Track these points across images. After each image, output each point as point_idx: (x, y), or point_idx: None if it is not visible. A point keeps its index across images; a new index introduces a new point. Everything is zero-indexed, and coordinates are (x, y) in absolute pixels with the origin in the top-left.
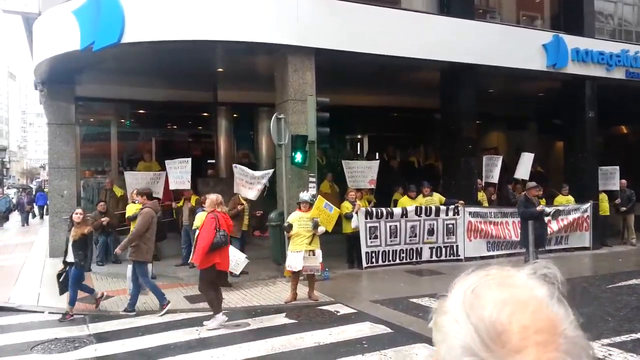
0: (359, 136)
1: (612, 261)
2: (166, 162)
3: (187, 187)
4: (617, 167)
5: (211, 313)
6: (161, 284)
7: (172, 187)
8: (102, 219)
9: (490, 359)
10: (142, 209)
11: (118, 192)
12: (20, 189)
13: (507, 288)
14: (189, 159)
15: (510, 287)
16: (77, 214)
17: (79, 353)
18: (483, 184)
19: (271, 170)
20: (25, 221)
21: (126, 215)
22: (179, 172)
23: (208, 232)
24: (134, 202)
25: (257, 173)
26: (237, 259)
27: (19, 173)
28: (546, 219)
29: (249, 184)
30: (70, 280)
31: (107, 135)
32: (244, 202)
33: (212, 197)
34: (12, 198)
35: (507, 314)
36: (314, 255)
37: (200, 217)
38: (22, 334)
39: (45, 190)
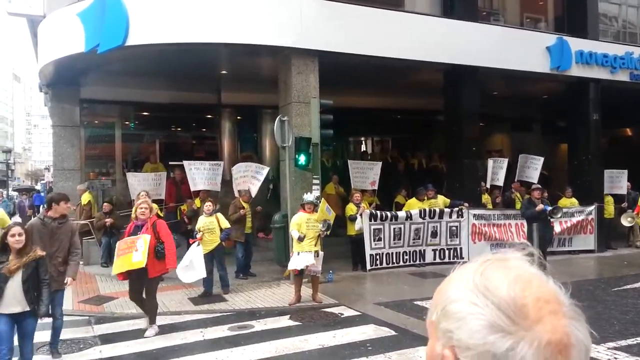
0: (363, 138)
1: (617, 264)
2: (187, 163)
3: (218, 188)
4: (625, 171)
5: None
6: (165, 286)
7: (200, 187)
8: (106, 220)
9: (517, 331)
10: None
11: (85, 199)
12: (21, 191)
13: (509, 270)
14: (222, 162)
15: (511, 269)
16: (13, 235)
17: (84, 354)
18: (487, 187)
19: (267, 168)
20: None
21: (132, 217)
22: (212, 174)
23: (172, 237)
24: None
25: (257, 165)
26: (197, 268)
27: (23, 175)
28: (551, 220)
29: (253, 179)
30: (25, 340)
31: (112, 137)
32: (245, 205)
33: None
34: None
35: (521, 290)
36: (317, 256)
37: (198, 222)
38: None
39: (38, 188)
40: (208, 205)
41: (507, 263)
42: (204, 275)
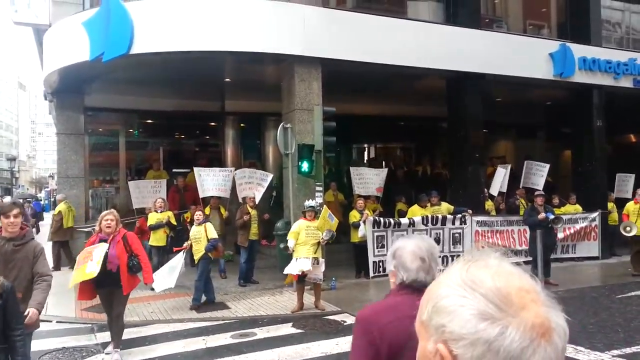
0: (366, 145)
1: (621, 271)
2: (197, 169)
3: (227, 195)
4: (632, 175)
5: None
6: (169, 293)
7: (209, 194)
8: None
9: (505, 317)
10: None
11: (57, 209)
12: (23, 200)
13: (491, 266)
14: (232, 169)
15: (493, 265)
16: None
17: None
18: (493, 194)
19: (271, 175)
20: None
21: (148, 224)
22: (222, 181)
23: (144, 251)
24: (155, 212)
25: (262, 172)
26: (169, 278)
27: (27, 182)
28: (554, 228)
29: (258, 185)
30: None
31: (116, 145)
32: (250, 210)
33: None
34: None
35: (504, 281)
36: (317, 264)
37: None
38: (32, 342)
39: (40, 195)
40: (198, 215)
41: (488, 261)
42: (172, 285)
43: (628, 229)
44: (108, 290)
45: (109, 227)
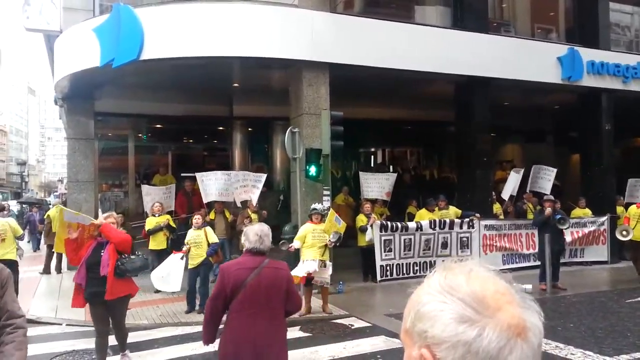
0: (373, 149)
1: (630, 275)
2: (200, 174)
3: (231, 199)
4: None
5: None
6: (176, 297)
7: (212, 199)
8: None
9: (482, 319)
10: None
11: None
12: (30, 204)
13: (468, 272)
14: (265, 175)
15: (470, 271)
16: None
17: None
18: (496, 198)
19: (265, 175)
20: (37, 245)
21: (146, 229)
22: (225, 185)
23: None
24: (153, 216)
25: (255, 174)
26: (172, 282)
27: (37, 187)
28: (562, 230)
29: (253, 187)
30: None
31: (125, 150)
32: (252, 215)
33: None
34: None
35: (480, 286)
36: (324, 267)
37: (187, 235)
38: (41, 345)
39: (50, 200)
40: (197, 218)
41: (466, 267)
42: (177, 289)
43: (625, 232)
44: (101, 302)
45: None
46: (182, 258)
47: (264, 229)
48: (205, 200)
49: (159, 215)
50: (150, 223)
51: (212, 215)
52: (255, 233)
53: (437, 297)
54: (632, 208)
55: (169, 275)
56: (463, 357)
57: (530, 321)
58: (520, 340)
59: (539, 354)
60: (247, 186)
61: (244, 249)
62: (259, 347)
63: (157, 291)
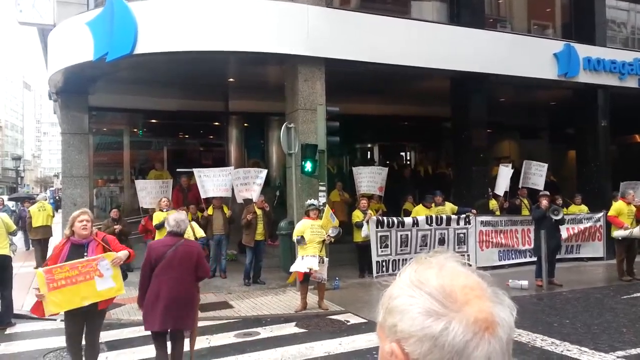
0: (369, 145)
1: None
2: (198, 170)
3: (229, 195)
4: None
5: None
6: None
7: (210, 195)
8: (115, 227)
9: (448, 313)
10: None
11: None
12: (22, 200)
13: (439, 266)
14: (231, 168)
15: (441, 265)
16: None
17: None
18: (492, 194)
19: (265, 171)
20: (29, 244)
21: (153, 224)
22: (222, 181)
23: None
24: (161, 211)
25: (256, 170)
26: None
27: (32, 182)
28: (554, 220)
29: (253, 184)
30: None
31: (120, 145)
32: (258, 211)
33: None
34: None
35: (449, 280)
36: (322, 263)
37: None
38: (35, 341)
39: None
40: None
41: (437, 262)
42: None
43: (622, 230)
44: (83, 311)
45: (85, 228)
46: None
47: (181, 217)
48: (203, 196)
49: (166, 211)
50: (158, 218)
51: (210, 211)
52: (174, 219)
53: (407, 291)
54: (621, 205)
55: None
56: (430, 351)
57: (500, 316)
58: (488, 334)
59: (509, 350)
60: (249, 184)
61: (166, 232)
62: (170, 298)
63: None
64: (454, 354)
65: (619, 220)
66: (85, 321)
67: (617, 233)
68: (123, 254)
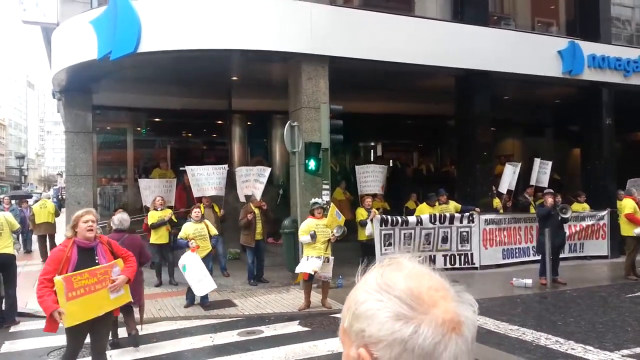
0: (373, 143)
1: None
2: (190, 168)
3: (222, 193)
4: None
5: None
6: (176, 291)
7: (206, 193)
8: None
9: (417, 316)
10: None
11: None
12: (20, 199)
13: (404, 269)
14: (225, 166)
15: (405, 268)
16: None
17: None
18: (496, 192)
19: (269, 169)
20: (29, 246)
21: (149, 223)
22: (216, 179)
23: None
24: (155, 210)
25: (258, 168)
26: (205, 278)
27: (36, 180)
28: (561, 218)
29: (256, 182)
30: None
31: (124, 143)
32: (255, 210)
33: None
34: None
35: (415, 282)
36: (327, 262)
37: (186, 229)
38: (38, 339)
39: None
40: (197, 212)
41: (401, 264)
42: (214, 286)
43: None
44: (87, 322)
45: (91, 230)
46: (196, 255)
47: (124, 217)
48: (195, 195)
49: (161, 209)
50: (153, 217)
51: (202, 210)
52: (118, 219)
53: (374, 296)
54: (632, 202)
55: (206, 276)
56: (400, 355)
57: (464, 315)
58: (455, 334)
59: (473, 348)
60: (249, 181)
61: (112, 229)
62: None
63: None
64: (424, 356)
65: (638, 217)
66: (90, 332)
67: (638, 230)
68: (122, 279)
